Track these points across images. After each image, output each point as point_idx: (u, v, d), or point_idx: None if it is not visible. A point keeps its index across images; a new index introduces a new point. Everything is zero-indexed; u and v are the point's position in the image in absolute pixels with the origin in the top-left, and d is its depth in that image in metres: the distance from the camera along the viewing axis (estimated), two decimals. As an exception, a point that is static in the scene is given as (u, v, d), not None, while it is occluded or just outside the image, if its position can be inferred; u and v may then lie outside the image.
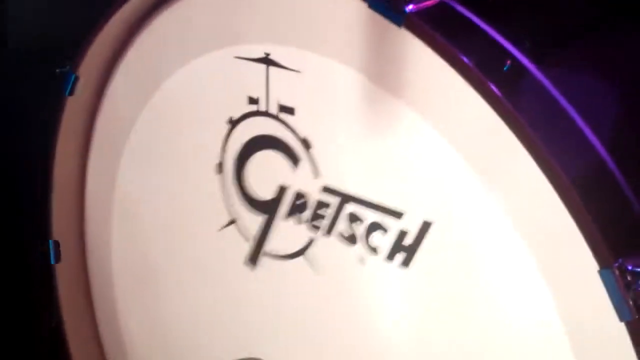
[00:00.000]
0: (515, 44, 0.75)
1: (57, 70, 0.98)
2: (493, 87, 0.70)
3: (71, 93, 0.99)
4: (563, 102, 0.73)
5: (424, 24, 0.72)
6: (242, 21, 0.87)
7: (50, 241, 1.06)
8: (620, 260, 0.67)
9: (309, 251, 0.88)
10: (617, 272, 0.67)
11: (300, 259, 0.88)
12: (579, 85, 0.76)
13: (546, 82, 0.74)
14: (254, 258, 0.93)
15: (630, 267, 0.67)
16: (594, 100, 0.77)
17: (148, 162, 1.00)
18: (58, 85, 0.98)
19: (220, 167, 0.93)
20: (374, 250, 0.83)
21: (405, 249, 0.80)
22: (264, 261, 0.92)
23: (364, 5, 0.75)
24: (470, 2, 0.77)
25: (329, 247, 0.86)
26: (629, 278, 0.67)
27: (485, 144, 0.73)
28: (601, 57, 0.82)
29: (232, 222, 0.93)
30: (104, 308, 1.09)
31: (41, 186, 1.03)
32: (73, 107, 1.00)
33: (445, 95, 0.74)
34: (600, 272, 0.67)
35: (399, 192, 0.80)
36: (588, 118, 0.72)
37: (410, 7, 0.73)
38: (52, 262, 1.06)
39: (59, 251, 1.06)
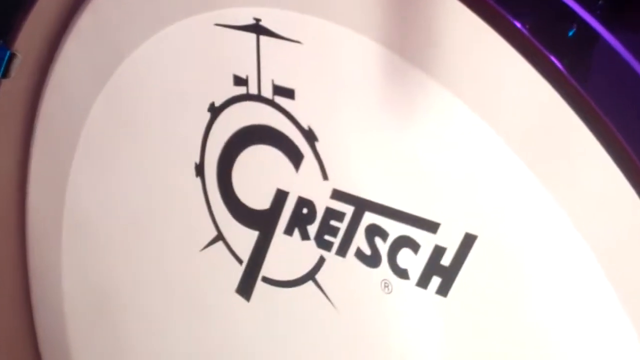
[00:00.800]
0: (583, 2, 0.75)
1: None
2: (554, 59, 0.70)
3: (6, 75, 1.01)
4: None
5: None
6: (224, -23, 0.87)
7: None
8: None
9: (319, 275, 0.89)
10: None
11: (307, 285, 0.90)
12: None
13: (623, 52, 0.74)
14: (248, 285, 0.94)
15: None
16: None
17: (107, 162, 1.02)
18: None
19: (200, 168, 0.94)
20: (402, 273, 0.83)
21: (442, 272, 0.81)
22: (260, 289, 0.93)
23: (381, -46, 0.75)
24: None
25: (344, 270, 0.86)
26: None
27: (544, 131, 0.73)
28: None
29: (217, 239, 0.95)
30: (53, 349, 1.10)
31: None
32: (9, 92, 1.02)
33: (490, 71, 0.74)
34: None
35: (433, 196, 0.80)
36: None
37: (441, -46, 0.73)
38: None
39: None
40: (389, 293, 0.85)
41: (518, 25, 0.71)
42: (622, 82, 0.73)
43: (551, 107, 0.71)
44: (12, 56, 0.98)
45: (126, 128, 0.99)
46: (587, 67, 0.73)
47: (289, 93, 0.86)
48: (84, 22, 0.98)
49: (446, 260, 0.80)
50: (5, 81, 1.00)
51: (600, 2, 0.75)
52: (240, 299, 0.95)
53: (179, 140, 0.94)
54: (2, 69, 0.99)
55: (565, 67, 0.70)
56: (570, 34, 0.73)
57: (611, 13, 0.76)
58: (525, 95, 0.72)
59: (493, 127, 0.75)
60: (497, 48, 0.72)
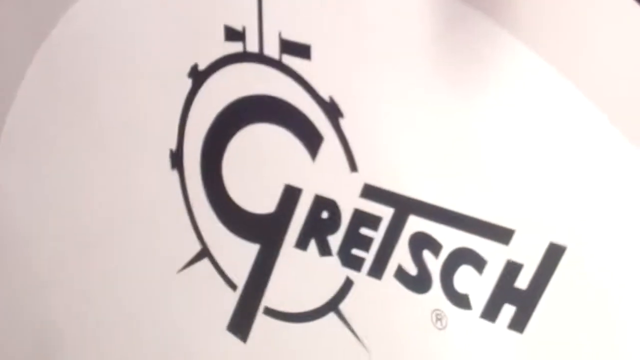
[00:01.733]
0: None
1: None
2: None
3: None
4: None
5: None
6: None
7: None
8: None
9: (344, 305, 0.90)
10: None
11: (328, 319, 0.91)
12: None
13: None
14: (244, 320, 0.95)
15: None
16: None
17: (43, 147, 1.04)
18: None
19: (176, 157, 0.95)
20: (461, 300, 0.84)
21: (518, 298, 0.81)
22: (262, 325, 0.94)
23: None
24: None
25: (379, 297, 0.87)
26: None
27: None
28: None
29: (202, 255, 0.96)
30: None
31: None
32: None
33: (576, 20, 0.75)
34: None
35: (505, 194, 0.81)
36: None
37: None
38: None
39: None
40: (443, 328, 0.85)
41: None
42: None
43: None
44: None
45: (69, 101, 1.02)
46: None
47: (302, 51, 0.87)
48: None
49: (523, 282, 0.81)
50: None
51: None
52: (233, 339, 0.95)
53: (146, 118, 0.96)
54: None
55: None
56: None
57: None
58: (624, 52, 0.74)
59: (584, 91, 0.76)
60: None
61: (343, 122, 0.86)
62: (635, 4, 0.74)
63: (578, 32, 0.76)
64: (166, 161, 0.95)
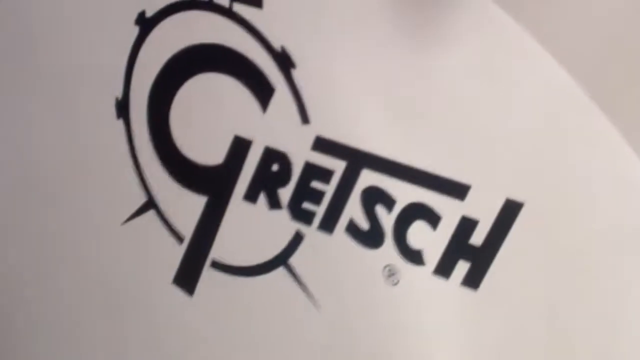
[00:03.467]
0: None
1: None
2: None
3: None
4: None
5: None
6: None
7: None
8: None
9: (294, 259, 0.87)
10: None
11: (276, 273, 0.88)
12: None
13: None
14: (191, 273, 0.93)
15: None
16: None
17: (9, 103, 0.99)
18: None
19: (122, 106, 0.92)
20: (414, 256, 0.81)
21: (472, 254, 0.78)
22: (209, 278, 0.91)
23: None
24: None
25: (330, 251, 0.85)
26: None
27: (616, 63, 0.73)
28: None
29: (147, 206, 0.93)
30: None
31: None
32: None
33: None
34: None
35: (461, 148, 0.78)
36: None
37: None
38: None
39: None
40: (395, 284, 0.82)
41: None
42: None
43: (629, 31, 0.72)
44: None
45: (12, 47, 0.98)
46: None
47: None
48: None
49: (478, 238, 0.78)
50: None
51: None
52: (179, 292, 0.93)
53: (92, 66, 0.92)
54: None
55: None
56: None
57: None
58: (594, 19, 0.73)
59: (556, 56, 0.74)
60: None
61: (295, 73, 0.82)
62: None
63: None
64: (111, 110, 0.90)
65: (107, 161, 0.94)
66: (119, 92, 0.91)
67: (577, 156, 0.76)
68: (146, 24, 0.88)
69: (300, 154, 0.83)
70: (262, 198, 0.86)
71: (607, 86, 0.75)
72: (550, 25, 0.75)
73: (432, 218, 0.78)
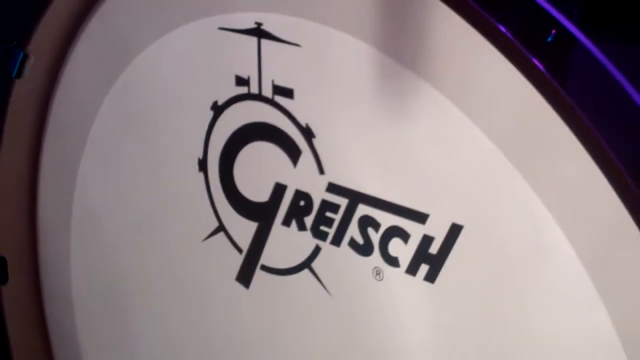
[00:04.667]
0: (562, 10, 0.78)
1: (1, 47, 1.04)
2: (535, 61, 0.73)
3: (19, 75, 1.03)
4: (620, 78, 0.76)
5: (449, -16, 0.76)
6: (228, -17, 0.91)
7: (-5, 260, 1.11)
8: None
9: (315, 264, 0.91)
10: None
11: (303, 273, 0.92)
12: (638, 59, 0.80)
13: (599, 55, 0.77)
14: (247, 273, 0.96)
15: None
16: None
17: (114, 159, 1.04)
18: (3, 65, 1.04)
19: (203, 163, 0.97)
20: (392, 261, 0.86)
21: (430, 260, 0.83)
22: (259, 277, 0.95)
23: (376, -37, 0.78)
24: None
25: (338, 258, 0.89)
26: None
27: (525, 129, 0.76)
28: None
29: (219, 229, 0.97)
30: (62, 339, 1.13)
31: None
32: (22, 92, 1.05)
33: (477, 72, 0.77)
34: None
35: (422, 189, 0.83)
36: None
37: (434, -35, 0.76)
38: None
39: (6, 270, 1.11)
40: (381, 280, 0.87)
41: (502, 29, 0.74)
42: (596, 81, 0.76)
43: (532, 106, 0.74)
44: (25, 57, 1.02)
45: (133, 126, 1.02)
46: (565, 69, 0.76)
47: (288, 93, 0.88)
48: (94, 26, 1.01)
49: (434, 249, 0.82)
50: (18, 81, 1.04)
51: (576, 10, 0.79)
52: (240, 286, 0.97)
53: (184, 137, 0.97)
54: (16, 69, 1.02)
55: (544, 67, 0.73)
56: (550, 39, 0.77)
57: (588, 20, 0.80)
58: (508, 95, 0.75)
59: (478, 125, 0.78)
60: (483, 50, 0.75)
61: (315, 141, 0.88)
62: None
63: (473, 79, 0.78)
64: (195, 166, 0.97)
65: (193, 199, 0.97)
66: (200, 154, 0.96)
67: (500, 214, 0.79)
68: (218, 109, 0.93)
69: (319, 194, 0.88)
70: (293, 223, 0.91)
71: (527, 152, 0.76)
72: (479, 103, 0.78)
73: (404, 236, 0.83)
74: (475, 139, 0.78)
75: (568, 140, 0.73)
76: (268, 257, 0.94)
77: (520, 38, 0.74)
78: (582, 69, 0.77)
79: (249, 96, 0.91)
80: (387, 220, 0.85)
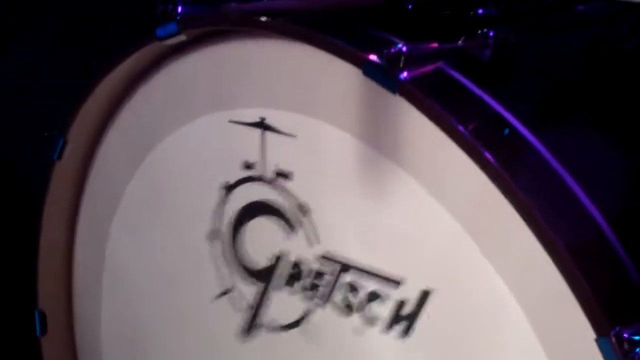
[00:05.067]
0: (513, 109, 0.86)
1: (45, 134, 1.10)
2: (488, 156, 0.81)
3: (59, 157, 1.11)
4: (560, 170, 0.83)
5: (419, 91, 0.84)
6: (237, 85, 0.99)
7: (36, 312, 1.15)
8: (617, 328, 0.76)
9: (305, 322, 0.97)
10: (614, 340, 0.76)
11: (296, 330, 0.98)
12: (580, 151, 0.88)
13: (543, 150, 0.84)
14: (248, 329, 1.02)
15: (627, 335, 0.76)
16: (595, 166, 0.88)
17: (140, 228, 1.11)
18: (47, 149, 1.12)
19: (215, 233, 1.04)
20: (372, 320, 0.92)
21: (404, 319, 0.89)
22: (258, 332, 1.01)
23: (359, 72, 0.87)
24: (468, 68, 0.89)
25: (325, 317, 0.95)
26: (626, 346, 0.76)
27: (482, 211, 0.83)
28: (603, 123, 0.94)
29: (226, 291, 1.04)
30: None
31: (27, 254, 1.14)
32: (61, 171, 1.13)
33: (440, 162, 0.85)
34: (598, 341, 0.77)
35: (398, 259, 0.90)
36: (587, 184, 0.83)
37: (405, 74, 0.85)
38: (39, 334, 1.15)
39: (45, 322, 1.16)
40: (361, 336, 0.93)
41: (460, 128, 0.82)
42: (542, 171, 0.83)
43: (485, 190, 0.81)
44: (65, 143, 1.11)
45: (156, 201, 1.09)
46: (514, 160, 0.83)
47: (287, 175, 0.96)
48: (124, 117, 1.10)
49: (407, 310, 0.89)
50: (58, 162, 1.12)
51: (526, 110, 0.87)
52: (241, 340, 1.03)
53: (198, 211, 1.04)
54: (57, 153, 1.11)
55: (496, 160, 0.81)
56: (503, 135, 0.85)
57: (536, 117, 0.88)
58: (467, 180, 0.83)
59: (444, 206, 0.86)
60: (445, 144, 0.83)
61: (310, 217, 0.94)
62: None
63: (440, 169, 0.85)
64: (208, 236, 1.04)
65: (205, 264, 1.03)
66: (213, 226, 1.02)
67: (461, 281, 0.85)
68: (228, 189, 1.00)
69: (312, 263, 0.94)
70: (290, 286, 0.96)
71: (484, 230, 0.82)
72: (445, 187, 0.84)
73: (382, 299, 0.89)
74: (440, 216, 0.85)
75: (517, 224, 0.79)
76: (266, 315, 1.00)
77: (476, 135, 0.82)
78: (529, 161, 0.84)
79: (254, 178, 0.99)
80: (368, 285, 0.91)
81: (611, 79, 1.00)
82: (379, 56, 0.85)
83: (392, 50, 0.85)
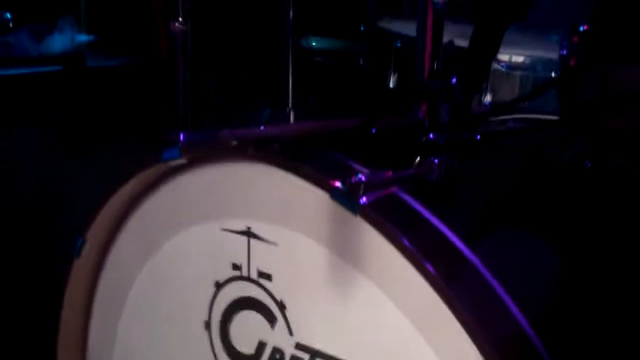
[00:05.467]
0: (454, 227, 0.97)
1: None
2: (430, 268, 0.93)
3: (78, 255, 1.23)
4: (491, 279, 0.94)
5: (375, 213, 0.96)
6: (227, 199, 1.11)
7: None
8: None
9: None
10: None
11: None
12: (511, 263, 0.99)
13: (477, 261, 0.95)
14: None
15: None
16: (526, 276, 0.99)
17: (146, 318, 1.21)
18: (67, 247, 1.23)
19: (208, 324, 1.14)
20: None
21: None
22: None
23: (327, 196, 0.99)
24: (419, 192, 1.00)
25: None
26: None
27: (426, 310, 0.94)
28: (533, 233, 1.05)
29: None
30: None
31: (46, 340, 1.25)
32: (78, 268, 1.24)
33: (393, 272, 0.96)
34: None
35: (360, 349, 1.00)
36: (515, 291, 0.94)
37: (364, 199, 0.97)
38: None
39: None
40: None
41: (408, 245, 0.94)
42: (477, 283, 0.94)
43: (429, 297, 0.93)
44: (83, 242, 1.22)
45: (159, 294, 1.20)
46: (453, 272, 0.94)
47: (268, 276, 1.07)
48: (133, 222, 1.22)
49: None
50: (77, 260, 1.23)
51: (467, 228, 0.98)
52: None
53: (194, 304, 1.15)
54: (77, 251, 1.22)
55: (437, 272, 0.93)
56: (444, 250, 0.96)
57: (476, 234, 0.99)
58: (414, 288, 0.94)
59: (397, 305, 0.97)
60: (396, 258, 0.95)
61: (287, 312, 1.05)
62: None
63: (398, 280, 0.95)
64: (202, 325, 1.14)
65: (200, 350, 1.13)
66: (206, 318, 1.12)
67: None
68: (219, 286, 1.11)
69: (289, 350, 1.05)
70: None
71: (432, 330, 0.92)
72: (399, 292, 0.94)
73: None
74: (394, 314, 0.96)
75: (452, 322, 0.90)
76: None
77: (422, 251, 0.93)
78: (464, 274, 0.95)
79: (241, 278, 1.09)
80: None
81: (544, 191, 1.09)
82: (343, 184, 0.97)
83: (354, 179, 0.97)
